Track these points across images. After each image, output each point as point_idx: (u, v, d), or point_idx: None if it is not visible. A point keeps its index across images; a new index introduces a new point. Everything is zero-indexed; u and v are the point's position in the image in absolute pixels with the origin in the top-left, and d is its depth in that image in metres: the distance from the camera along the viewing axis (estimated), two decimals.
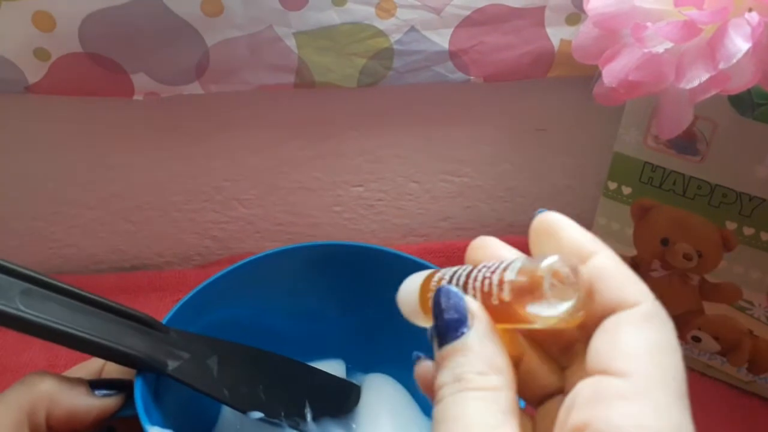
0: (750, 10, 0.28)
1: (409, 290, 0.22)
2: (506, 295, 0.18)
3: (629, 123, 0.39)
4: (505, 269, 0.19)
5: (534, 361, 0.21)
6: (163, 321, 0.30)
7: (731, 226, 0.38)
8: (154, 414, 0.28)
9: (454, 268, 0.21)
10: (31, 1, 0.38)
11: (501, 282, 0.19)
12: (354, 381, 0.37)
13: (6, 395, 0.26)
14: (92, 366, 0.29)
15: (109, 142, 0.48)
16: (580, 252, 0.19)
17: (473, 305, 0.19)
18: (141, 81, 0.42)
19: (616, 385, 0.16)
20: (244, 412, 0.30)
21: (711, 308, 0.41)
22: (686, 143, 0.37)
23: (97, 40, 0.40)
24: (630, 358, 0.17)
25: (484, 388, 0.18)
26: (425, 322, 0.22)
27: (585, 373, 0.17)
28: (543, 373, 0.21)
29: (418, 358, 0.22)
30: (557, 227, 0.20)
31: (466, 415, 0.17)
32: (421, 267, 0.34)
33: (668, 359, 0.17)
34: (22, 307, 0.24)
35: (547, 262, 0.18)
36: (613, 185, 0.42)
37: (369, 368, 0.38)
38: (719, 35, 0.28)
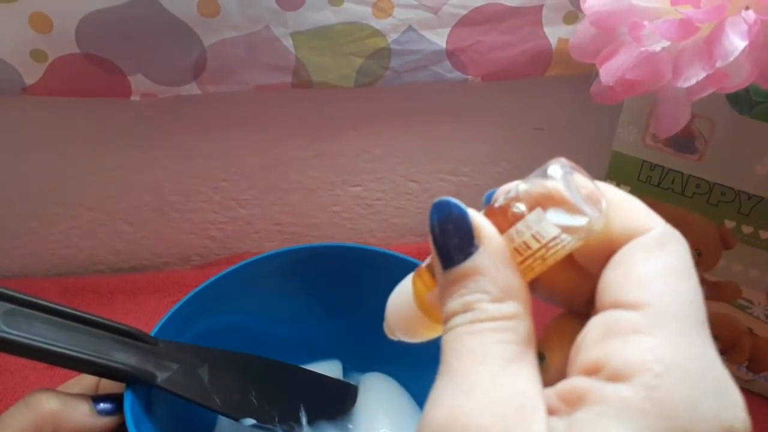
0: (747, 8, 0.28)
1: (399, 292, 0.20)
2: (521, 208, 0.16)
3: (627, 121, 0.39)
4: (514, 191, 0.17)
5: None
6: (154, 330, 0.30)
7: (730, 224, 0.38)
8: (147, 426, 0.28)
9: None
10: (27, 2, 0.38)
11: (510, 202, 0.17)
12: (351, 381, 0.37)
13: (9, 417, 0.26)
14: (89, 378, 0.29)
15: (106, 143, 0.48)
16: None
17: (479, 219, 0.17)
18: (138, 82, 0.42)
19: (630, 319, 0.15)
20: (236, 419, 0.30)
21: (710, 307, 0.41)
22: (684, 142, 0.37)
23: (94, 41, 0.40)
24: (643, 287, 0.15)
25: (499, 317, 0.16)
26: (428, 329, 0.19)
27: (596, 310, 0.16)
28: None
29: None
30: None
31: (479, 348, 0.16)
32: (413, 265, 0.34)
33: (684, 285, 0.16)
34: (6, 328, 0.24)
35: (555, 163, 0.16)
36: (611, 184, 0.42)
37: (366, 368, 0.38)
38: (716, 33, 0.28)
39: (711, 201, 0.38)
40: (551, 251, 0.17)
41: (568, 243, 0.16)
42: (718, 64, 0.28)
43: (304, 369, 0.35)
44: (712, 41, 0.28)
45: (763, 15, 0.27)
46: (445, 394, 0.16)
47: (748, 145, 0.36)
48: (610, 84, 0.32)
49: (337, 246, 0.37)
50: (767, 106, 0.34)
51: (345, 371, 0.38)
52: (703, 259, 0.40)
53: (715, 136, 0.36)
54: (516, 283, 0.17)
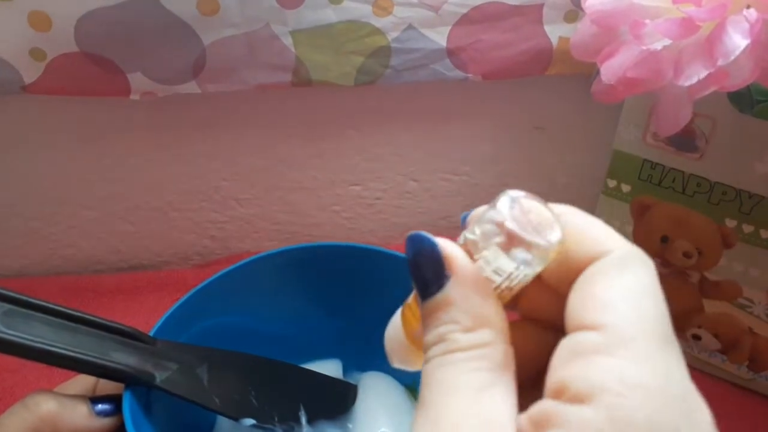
0: (748, 6, 0.28)
1: (392, 324, 0.20)
2: (478, 246, 0.17)
3: (628, 120, 0.39)
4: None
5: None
6: (154, 330, 0.30)
7: (731, 223, 0.38)
8: (146, 427, 0.28)
9: None
10: (26, 0, 0.38)
11: (468, 240, 0.17)
12: (351, 380, 0.37)
13: (7, 419, 0.25)
14: (87, 379, 0.29)
15: (106, 142, 0.47)
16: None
17: (450, 250, 0.17)
18: (138, 80, 0.42)
19: (591, 340, 0.15)
20: (236, 419, 0.30)
21: (711, 306, 0.41)
22: (685, 140, 0.37)
23: (93, 39, 0.40)
24: (603, 308, 0.15)
25: (470, 347, 0.16)
26: (420, 359, 0.19)
27: (565, 334, 0.16)
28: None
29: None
30: None
31: (450, 379, 0.16)
32: None
33: (647, 303, 0.16)
34: (5, 329, 0.24)
35: (504, 196, 0.17)
36: (612, 183, 0.42)
37: (366, 367, 0.38)
38: (717, 32, 0.28)
39: (712, 200, 0.38)
40: (515, 282, 0.17)
41: (529, 271, 0.17)
42: (720, 62, 0.27)
43: (303, 368, 0.35)
44: (714, 40, 0.28)
45: (765, 13, 0.27)
46: (417, 428, 0.16)
47: (749, 144, 0.36)
48: (611, 83, 0.32)
49: (337, 245, 0.37)
50: None
51: (345, 370, 0.38)
52: (703, 258, 0.40)
53: (716, 135, 0.36)
54: (488, 310, 0.17)
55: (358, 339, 0.37)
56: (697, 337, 0.43)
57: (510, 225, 0.17)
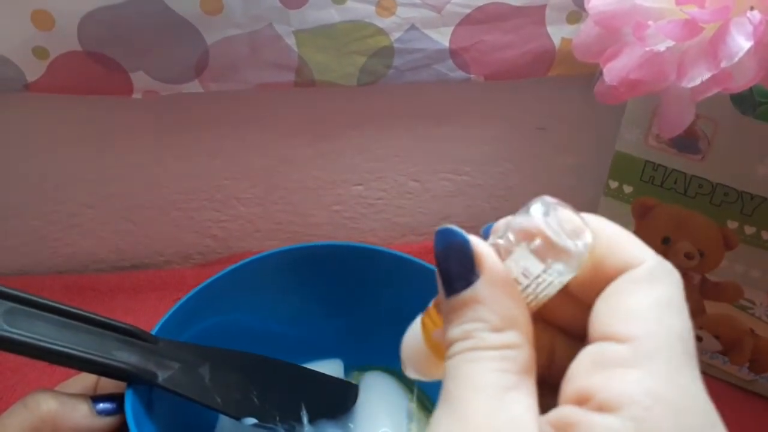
0: (752, 8, 0.28)
1: (411, 330, 0.20)
2: (509, 246, 0.17)
3: (630, 122, 0.39)
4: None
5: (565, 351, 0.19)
6: (155, 329, 0.30)
7: (732, 225, 0.38)
8: (148, 425, 0.28)
9: None
10: None
11: (498, 240, 0.17)
12: (352, 380, 0.37)
13: (7, 418, 0.25)
14: (88, 378, 0.29)
15: (108, 140, 0.47)
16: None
17: (482, 248, 0.17)
18: (140, 79, 0.42)
19: (618, 351, 0.15)
20: (237, 418, 0.30)
21: (712, 307, 0.41)
22: (688, 142, 0.37)
23: (96, 38, 0.40)
24: (631, 320, 0.16)
25: (497, 347, 0.16)
26: (436, 367, 0.19)
27: (587, 341, 0.16)
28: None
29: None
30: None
31: (476, 376, 0.16)
32: (415, 265, 0.34)
33: (673, 319, 0.16)
34: (7, 327, 0.24)
35: (537, 201, 0.17)
36: (614, 184, 0.42)
37: (367, 367, 0.38)
38: (721, 34, 0.28)
39: (714, 201, 0.38)
40: (541, 287, 0.17)
41: (557, 278, 0.17)
42: (723, 64, 0.27)
43: (305, 368, 0.35)
44: (717, 41, 0.28)
45: None
46: (443, 421, 0.16)
47: (751, 146, 0.36)
48: (614, 84, 0.32)
49: (338, 245, 0.37)
50: None
51: (346, 370, 0.38)
52: (705, 259, 0.40)
53: (719, 137, 0.36)
54: (516, 312, 0.17)
55: (360, 339, 0.37)
56: (698, 339, 0.43)
57: (544, 229, 0.17)
